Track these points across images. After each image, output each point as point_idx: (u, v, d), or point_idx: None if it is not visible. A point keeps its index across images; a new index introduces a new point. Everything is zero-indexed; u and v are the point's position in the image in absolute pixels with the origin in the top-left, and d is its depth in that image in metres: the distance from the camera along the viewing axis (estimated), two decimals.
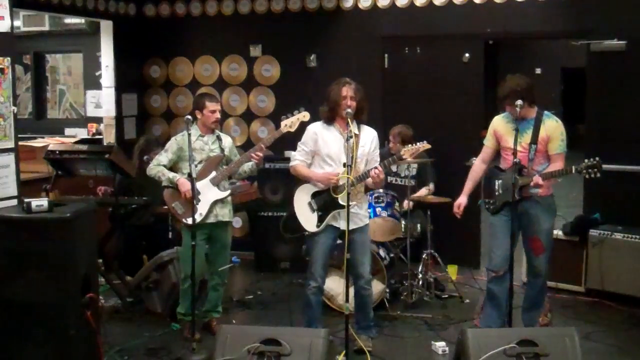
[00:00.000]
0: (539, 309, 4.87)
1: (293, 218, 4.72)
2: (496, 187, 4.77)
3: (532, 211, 4.64)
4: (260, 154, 4.83)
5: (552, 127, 4.63)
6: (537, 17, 6.33)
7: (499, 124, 4.82)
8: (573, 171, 4.41)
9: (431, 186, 6.13)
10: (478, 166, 4.96)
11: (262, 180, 6.83)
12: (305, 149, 4.66)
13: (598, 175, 4.32)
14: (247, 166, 5.00)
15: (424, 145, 4.51)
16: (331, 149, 4.59)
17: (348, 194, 4.24)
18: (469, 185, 4.96)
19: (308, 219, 4.65)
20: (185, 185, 4.79)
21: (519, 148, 4.54)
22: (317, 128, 4.66)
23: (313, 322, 4.72)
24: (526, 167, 4.61)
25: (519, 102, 4.47)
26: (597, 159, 4.31)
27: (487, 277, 4.90)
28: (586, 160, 4.34)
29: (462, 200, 4.93)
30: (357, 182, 4.49)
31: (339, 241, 4.75)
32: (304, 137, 4.70)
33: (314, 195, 4.64)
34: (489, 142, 4.90)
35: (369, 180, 4.51)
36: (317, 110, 4.95)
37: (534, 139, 4.60)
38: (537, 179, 4.44)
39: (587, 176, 4.37)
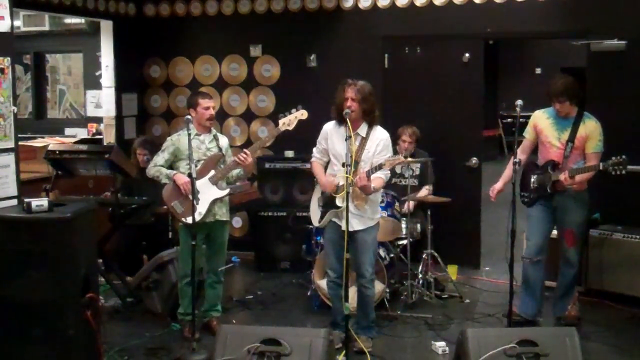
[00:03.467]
0: (570, 297, 5.15)
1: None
2: (532, 182, 5.05)
3: (566, 204, 4.94)
4: (244, 157, 4.78)
5: (592, 127, 4.89)
6: (537, 17, 6.33)
7: (540, 118, 5.07)
8: (600, 167, 4.62)
9: (430, 187, 6.15)
10: (518, 156, 5.00)
11: (262, 180, 6.83)
12: (319, 146, 4.82)
13: (624, 172, 4.52)
14: (235, 172, 5.00)
15: (399, 159, 4.47)
16: (337, 148, 4.64)
17: (347, 193, 4.24)
18: (507, 173, 5.05)
19: (314, 214, 4.85)
20: (182, 178, 4.80)
21: (557, 144, 4.91)
22: (329, 127, 4.75)
23: (335, 318, 4.81)
24: (561, 163, 4.88)
25: (519, 102, 4.62)
26: (623, 156, 4.51)
27: (523, 264, 5.12)
28: (613, 158, 4.54)
29: (497, 185, 5.12)
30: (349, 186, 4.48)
31: None
32: (320, 135, 4.82)
33: (322, 192, 4.76)
34: (528, 135, 5.14)
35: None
36: (316, 110, 4.96)
37: (572, 137, 4.86)
38: (565, 175, 4.70)
39: (613, 173, 4.54)
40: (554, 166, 4.92)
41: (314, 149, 4.87)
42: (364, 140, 4.61)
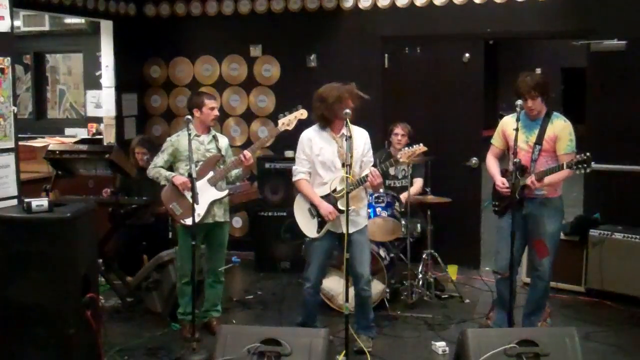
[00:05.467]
0: (539, 314, 4.84)
1: (295, 223, 4.74)
2: None
3: (538, 213, 4.63)
4: (245, 159, 4.78)
5: (561, 127, 4.58)
6: (537, 17, 6.33)
7: (509, 123, 4.73)
8: (564, 167, 4.38)
9: (419, 181, 6.10)
10: (491, 159, 4.91)
11: (262, 180, 6.83)
12: (303, 157, 4.62)
13: (588, 170, 4.32)
14: (234, 172, 5.00)
15: (420, 148, 4.48)
16: (325, 155, 4.56)
17: (347, 193, 4.23)
18: (496, 171, 4.82)
19: (308, 225, 4.65)
20: (180, 178, 4.80)
21: (525, 147, 4.58)
22: (310, 134, 4.62)
23: (307, 321, 4.76)
24: (528, 167, 4.58)
25: (519, 102, 4.45)
26: (587, 154, 4.29)
27: (494, 279, 4.93)
28: (577, 156, 4.34)
29: (502, 179, 4.71)
30: (354, 188, 4.45)
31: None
32: (298, 146, 4.64)
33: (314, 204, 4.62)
34: (496, 142, 4.89)
35: (367, 184, 4.50)
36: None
37: (540, 139, 4.58)
38: (532, 179, 4.44)
39: (577, 172, 4.35)
40: (522, 170, 4.52)
41: (297, 166, 4.64)
42: (351, 140, 4.54)
